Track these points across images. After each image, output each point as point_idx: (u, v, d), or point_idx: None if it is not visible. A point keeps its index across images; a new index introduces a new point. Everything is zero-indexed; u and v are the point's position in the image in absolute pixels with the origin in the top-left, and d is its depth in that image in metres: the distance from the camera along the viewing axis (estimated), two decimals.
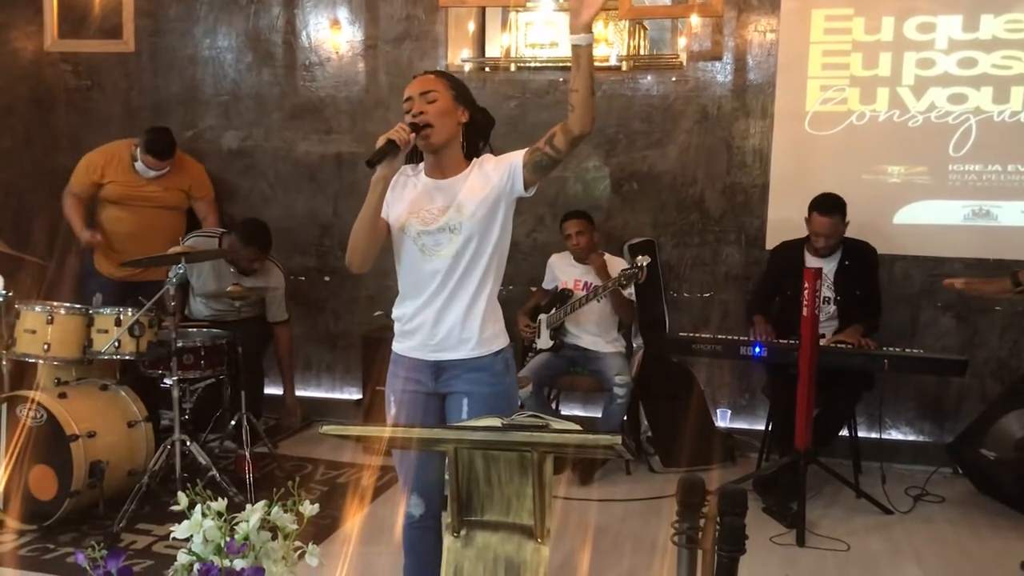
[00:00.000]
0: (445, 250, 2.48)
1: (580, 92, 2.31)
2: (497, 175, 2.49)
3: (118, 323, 3.96)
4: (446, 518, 2.07)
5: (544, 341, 4.74)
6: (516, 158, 2.48)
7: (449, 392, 2.55)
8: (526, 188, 2.47)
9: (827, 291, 4.45)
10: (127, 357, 4.02)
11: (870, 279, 4.56)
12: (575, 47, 2.31)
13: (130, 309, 4.00)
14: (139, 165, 4.82)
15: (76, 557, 1.79)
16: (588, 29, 2.29)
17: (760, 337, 4.39)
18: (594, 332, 4.74)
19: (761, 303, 4.66)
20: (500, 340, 2.59)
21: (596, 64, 5.19)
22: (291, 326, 5.09)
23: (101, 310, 4.01)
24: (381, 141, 2.38)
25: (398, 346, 2.63)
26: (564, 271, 4.81)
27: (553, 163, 2.45)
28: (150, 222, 4.90)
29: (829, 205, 4.42)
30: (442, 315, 2.51)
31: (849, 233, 4.53)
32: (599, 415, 4.70)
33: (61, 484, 3.75)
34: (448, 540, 2.04)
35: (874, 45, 4.75)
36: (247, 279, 4.67)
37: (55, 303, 4.02)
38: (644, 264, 4.33)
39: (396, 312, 2.62)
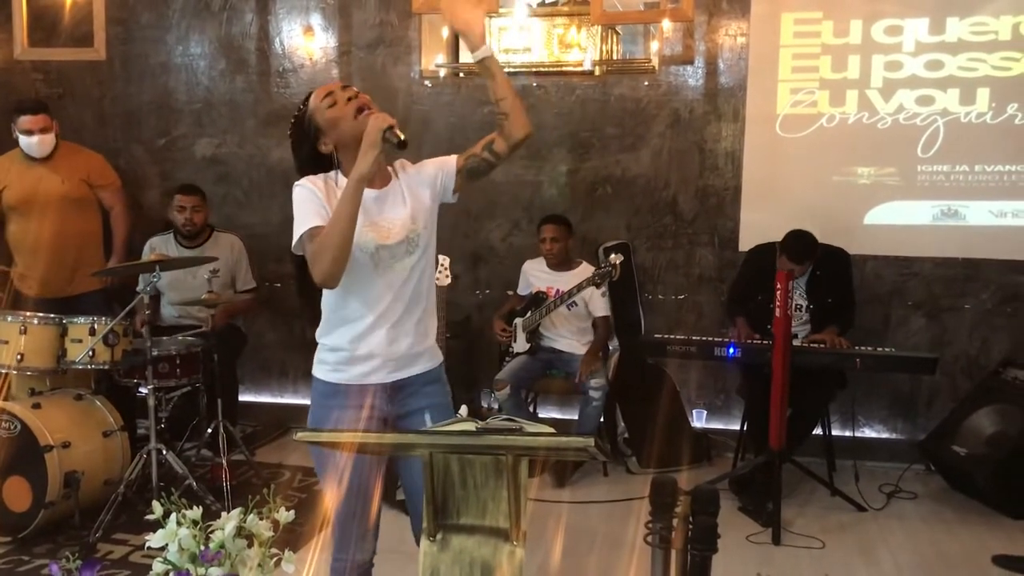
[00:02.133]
0: (400, 264, 2.35)
1: (508, 99, 2.34)
2: (430, 180, 2.42)
3: (92, 332, 3.94)
4: (423, 522, 2.07)
5: (520, 345, 4.76)
6: (449, 163, 2.43)
7: (406, 412, 2.43)
8: (453, 194, 2.44)
9: (799, 299, 4.50)
10: (102, 367, 4.00)
11: (843, 285, 4.61)
12: (482, 61, 2.32)
13: (104, 318, 3.98)
14: (23, 141, 4.58)
15: (50, 569, 1.79)
16: (483, 41, 2.32)
17: (741, 339, 4.42)
18: (569, 335, 4.77)
19: (739, 304, 4.69)
20: (438, 348, 2.53)
21: (571, 68, 5.23)
22: (258, 295, 5.06)
23: (75, 319, 3.99)
24: (384, 126, 2.20)
25: (340, 375, 2.41)
26: (537, 278, 4.83)
27: (489, 168, 2.43)
28: (61, 226, 4.66)
29: (801, 252, 4.38)
30: (399, 331, 2.37)
31: (820, 236, 4.58)
32: (576, 417, 4.73)
33: (36, 495, 3.73)
34: (424, 544, 2.05)
35: (843, 48, 4.81)
36: (207, 257, 4.55)
37: (28, 313, 4.00)
38: (617, 262, 4.35)
39: (334, 339, 2.41)
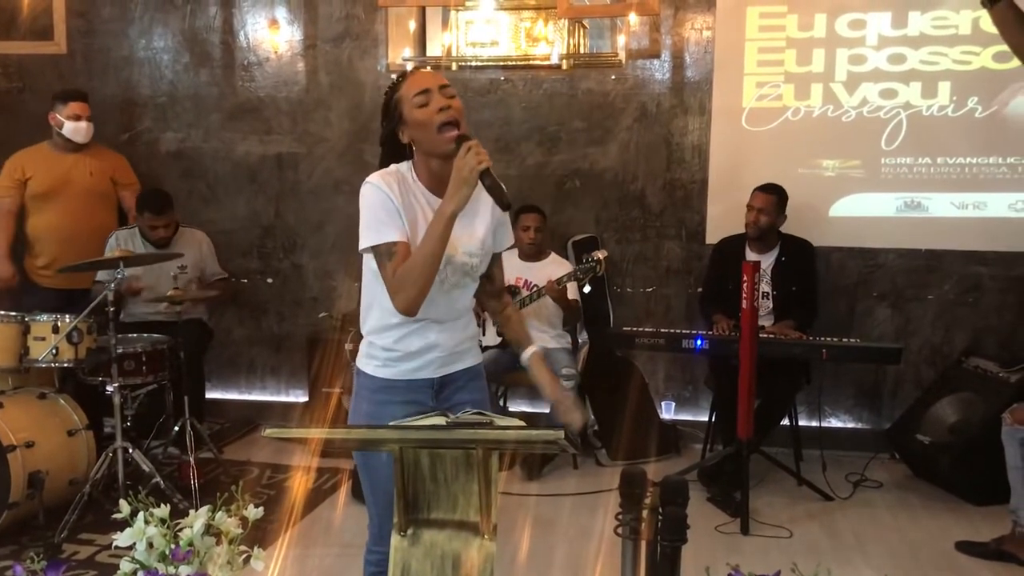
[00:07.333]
0: (457, 277, 2.34)
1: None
2: (488, 225, 2.38)
3: (56, 330, 3.88)
4: (394, 517, 2.07)
5: (490, 338, 4.76)
6: (501, 237, 2.44)
7: (450, 407, 2.33)
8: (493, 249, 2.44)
9: (765, 286, 4.55)
10: (66, 365, 3.94)
11: (806, 274, 4.67)
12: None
13: (67, 315, 3.92)
14: (70, 127, 4.69)
15: (15, 570, 1.76)
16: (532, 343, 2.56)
17: (726, 331, 4.45)
18: (539, 328, 4.76)
19: (713, 301, 4.72)
20: (479, 346, 2.53)
21: (538, 62, 5.21)
22: (232, 281, 5.03)
23: (38, 317, 3.93)
24: (479, 168, 2.11)
25: (389, 371, 2.36)
26: (508, 267, 4.81)
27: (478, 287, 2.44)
28: (82, 218, 4.76)
29: (771, 186, 4.60)
30: (447, 328, 2.37)
31: (787, 225, 4.64)
32: (547, 411, 4.73)
33: None
34: (395, 539, 2.04)
35: (807, 42, 4.85)
36: (173, 253, 4.54)
37: None
38: (602, 258, 4.37)
39: (384, 339, 2.36)
